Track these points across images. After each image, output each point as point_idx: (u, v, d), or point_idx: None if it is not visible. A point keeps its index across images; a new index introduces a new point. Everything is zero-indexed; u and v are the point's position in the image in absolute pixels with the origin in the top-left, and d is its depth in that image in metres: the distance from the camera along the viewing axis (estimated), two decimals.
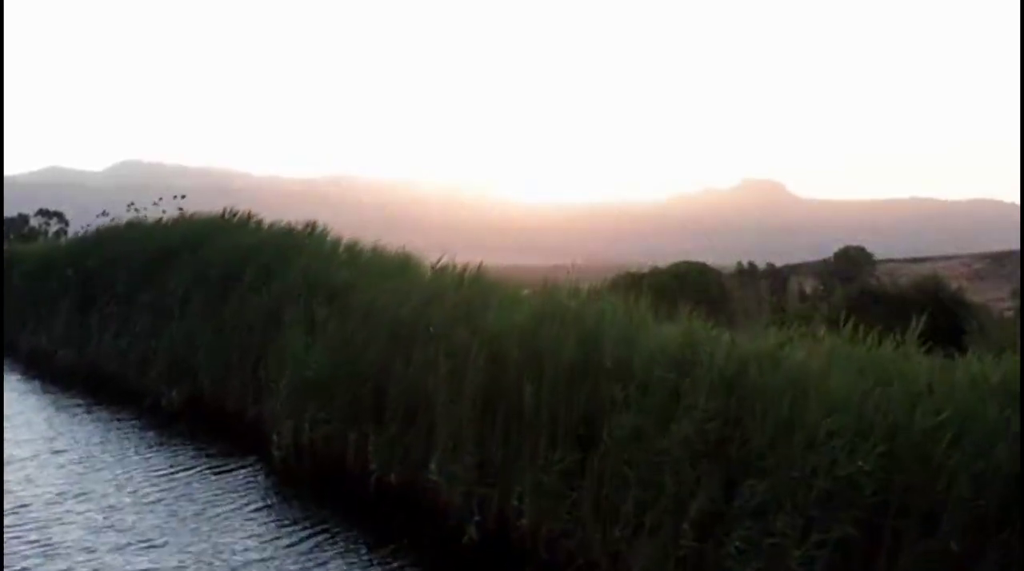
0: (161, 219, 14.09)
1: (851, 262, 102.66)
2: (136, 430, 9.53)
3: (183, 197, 14.41)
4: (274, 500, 7.22)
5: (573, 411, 5.94)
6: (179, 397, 10.00)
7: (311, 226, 11.88)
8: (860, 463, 4.55)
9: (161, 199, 14.82)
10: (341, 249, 11.06)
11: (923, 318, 5.90)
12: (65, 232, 74.79)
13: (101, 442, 8.97)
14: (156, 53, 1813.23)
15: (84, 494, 7.21)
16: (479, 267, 8.77)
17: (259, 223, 12.88)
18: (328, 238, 11.66)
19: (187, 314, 10.69)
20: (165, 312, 11.04)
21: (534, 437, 6.03)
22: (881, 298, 41.22)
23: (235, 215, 13.07)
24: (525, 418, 6.11)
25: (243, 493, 7.33)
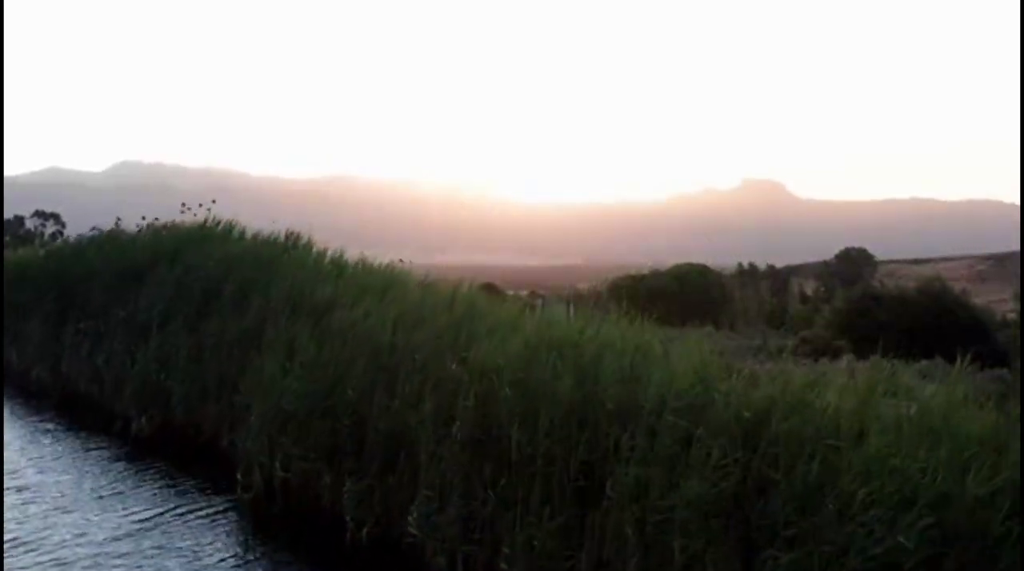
0: (141, 229, 13.37)
1: (852, 263, 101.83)
2: (104, 462, 8.87)
3: (213, 202, 13.52)
4: (241, 550, 6.54)
5: (571, 459, 5.29)
6: (150, 424, 9.35)
7: (294, 237, 11.24)
8: (902, 539, 3.91)
9: (187, 207, 13.51)
10: (327, 261, 10.48)
11: (967, 356, 5.24)
12: (62, 234, 73.97)
13: (65, 477, 8.29)
14: (156, 54, 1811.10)
15: (36, 544, 6.56)
16: (469, 286, 8.15)
17: (243, 232, 12.23)
18: (314, 249, 11.07)
19: (164, 332, 10.03)
20: (141, 329, 10.37)
21: (527, 488, 5.38)
22: (883, 300, 40.14)
23: (218, 224, 12.43)
24: (517, 466, 5.47)
25: (210, 540, 6.67)
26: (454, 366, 6.23)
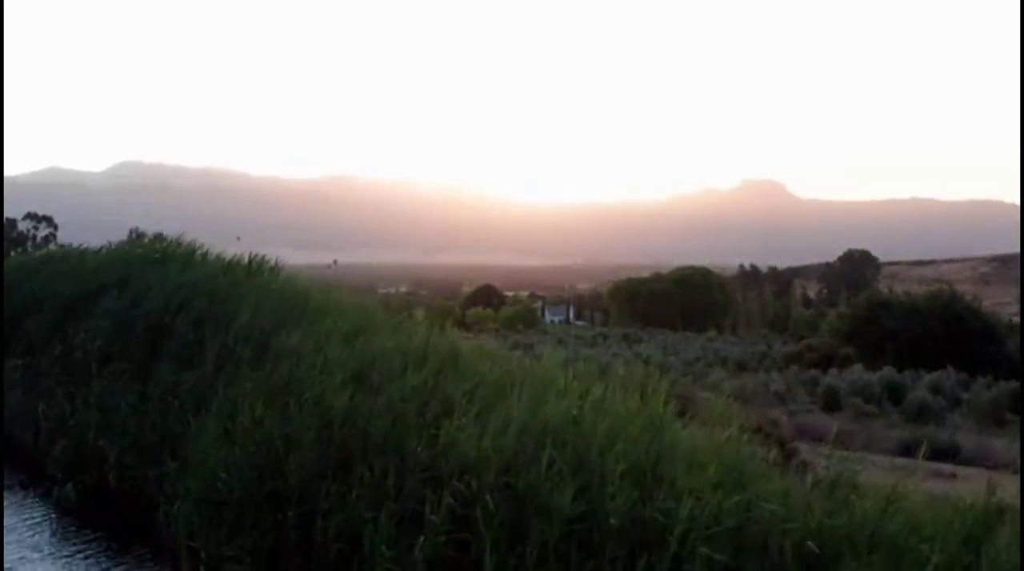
0: (100, 249, 12.32)
1: (856, 265, 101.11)
2: (25, 536, 7.37)
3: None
4: None
5: None
6: (79, 488, 7.94)
7: (260, 262, 10.24)
8: None
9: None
10: (293, 292, 9.26)
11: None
12: (54, 237, 73.04)
13: None
14: (156, 54, 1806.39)
15: None
16: (444, 328, 7.30)
17: (205, 254, 11.08)
18: (280, 276, 10.03)
19: (106, 374, 8.72)
20: (80, 370, 9.06)
21: None
22: (892, 307, 39.41)
23: (179, 245, 11.42)
24: None
25: None
26: (420, 450, 5.19)
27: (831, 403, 33.66)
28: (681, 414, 5.56)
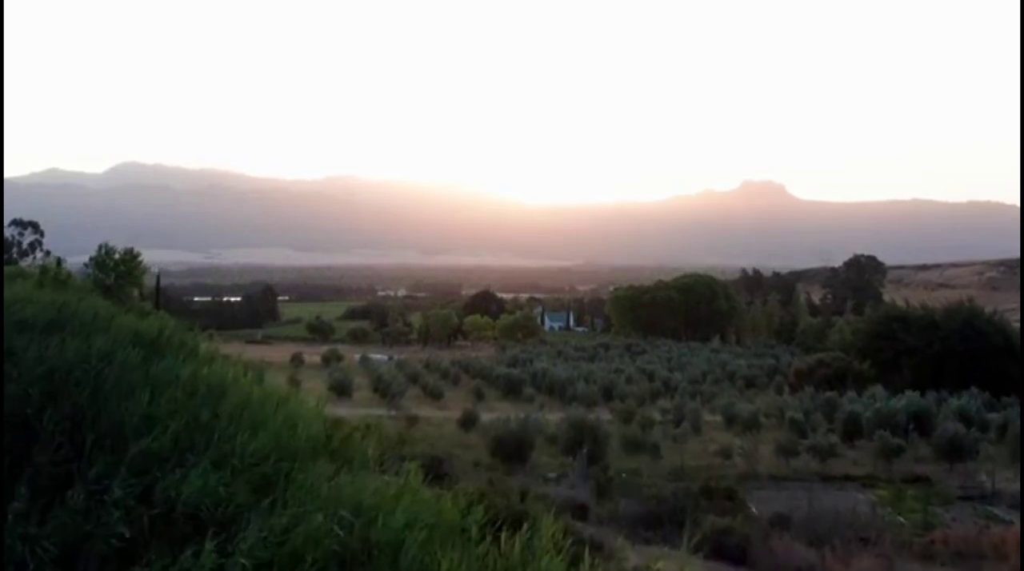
0: None
1: (861, 271, 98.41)
2: None
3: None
4: None
5: None
6: None
7: (168, 332, 6.40)
8: None
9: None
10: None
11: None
12: (40, 244, 70.08)
13: None
14: (156, 55, 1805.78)
15: None
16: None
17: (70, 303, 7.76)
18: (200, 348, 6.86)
19: None
20: None
21: None
22: (910, 322, 36.74)
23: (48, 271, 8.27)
24: None
25: None
26: None
27: (852, 431, 31.49)
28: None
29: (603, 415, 37.87)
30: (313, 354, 72.78)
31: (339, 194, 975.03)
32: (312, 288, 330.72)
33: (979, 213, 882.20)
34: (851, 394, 37.35)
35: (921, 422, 30.06)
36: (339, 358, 63.18)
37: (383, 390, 41.28)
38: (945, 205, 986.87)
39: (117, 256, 30.83)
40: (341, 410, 38.40)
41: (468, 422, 31.81)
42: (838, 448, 26.65)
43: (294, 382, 46.80)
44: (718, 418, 35.62)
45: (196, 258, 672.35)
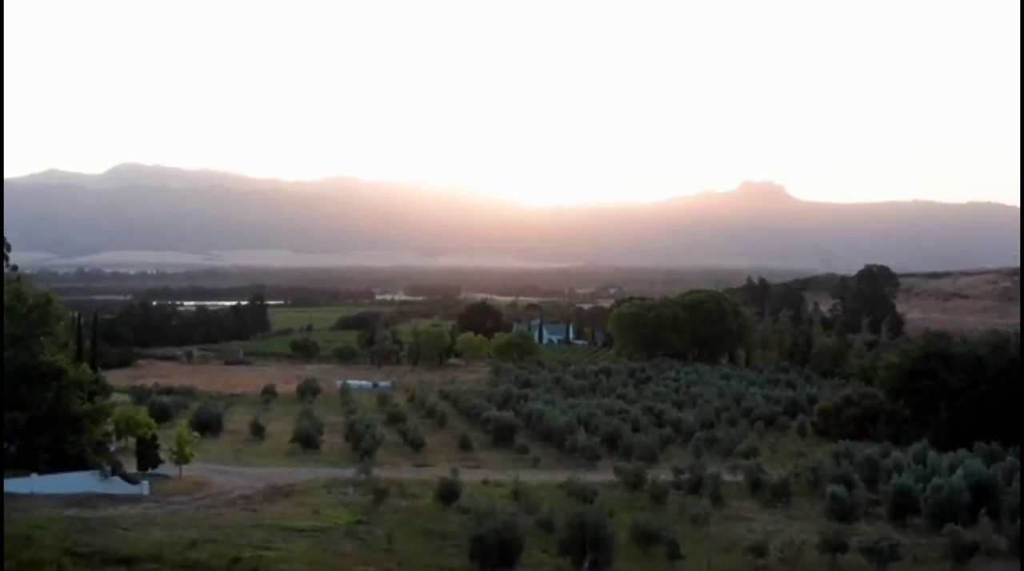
0: None
1: (874, 282, 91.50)
2: None
3: None
4: None
5: None
6: None
7: None
8: None
9: None
10: None
11: None
12: (7, 258, 63.69)
13: None
14: (154, 57, 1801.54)
15: None
16: None
17: None
18: None
19: None
20: None
21: None
22: (954, 361, 30.37)
23: None
24: None
25: None
26: None
27: (902, 507, 26.58)
28: None
29: (606, 474, 32.95)
30: (291, 380, 69.03)
31: (338, 195, 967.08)
32: (308, 292, 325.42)
33: (979, 214, 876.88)
34: (894, 452, 32.38)
35: (986, 497, 25.24)
36: (314, 392, 58.23)
37: (356, 439, 36.26)
38: (945, 206, 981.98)
39: (31, 301, 25.95)
40: (302, 473, 33.59)
41: (448, 494, 26.85)
42: (899, 548, 21.55)
43: (257, 429, 42.02)
44: (740, 478, 30.63)
45: (195, 259, 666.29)
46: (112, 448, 33.63)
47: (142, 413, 32.89)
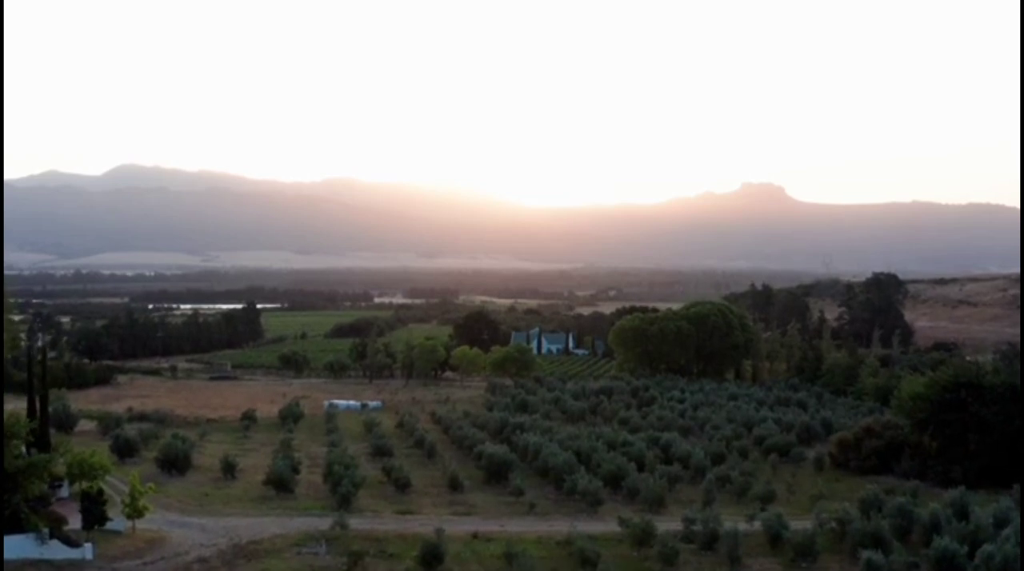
0: None
1: (882, 289, 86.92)
2: None
3: None
4: None
5: None
6: None
7: None
8: None
9: None
10: None
11: None
12: None
13: None
14: (154, 57, 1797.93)
15: None
16: None
17: None
18: None
19: None
20: None
21: None
22: (984, 393, 26.15)
23: None
24: None
25: None
26: None
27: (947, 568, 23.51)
28: None
29: (610, 523, 29.75)
30: (276, 399, 66.63)
31: (337, 196, 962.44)
32: (306, 295, 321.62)
33: (979, 215, 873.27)
34: (924, 491, 29.21)
35: None
36: (296, 418, 54.65)
37: (335, 482, 32.87)
38: (945, 207, 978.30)
39: None
40: (271, 525, 30.29)
41: (432, 558, 23.74)
42: None
43: (228, 468, 38.65)
44: (757, 527, 27.51)
45: (193, 261, 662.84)
46: (65, 494, 30.51)
47: (98, 455, 29.66)
